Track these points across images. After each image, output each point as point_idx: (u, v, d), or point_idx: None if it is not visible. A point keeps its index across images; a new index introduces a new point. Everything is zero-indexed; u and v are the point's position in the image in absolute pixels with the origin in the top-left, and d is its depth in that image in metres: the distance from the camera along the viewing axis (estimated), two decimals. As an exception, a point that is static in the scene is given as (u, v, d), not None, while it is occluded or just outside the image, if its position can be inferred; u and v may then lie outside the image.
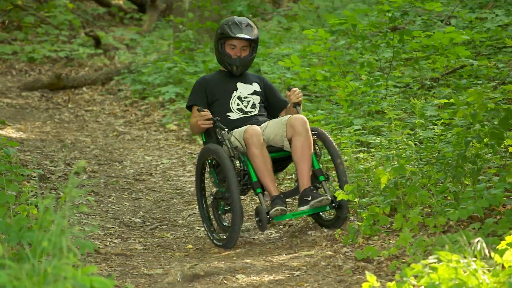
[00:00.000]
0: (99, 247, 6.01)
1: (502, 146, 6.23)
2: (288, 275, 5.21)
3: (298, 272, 5.24)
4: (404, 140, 6.61)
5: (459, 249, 4.19)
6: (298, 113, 6.11)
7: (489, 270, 3.98)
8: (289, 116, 6.01)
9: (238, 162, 5.93)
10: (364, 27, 8.99)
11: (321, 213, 6.08)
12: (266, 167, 5.83)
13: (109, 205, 7.63)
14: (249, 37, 6.18)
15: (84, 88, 14.22)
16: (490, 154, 6.40)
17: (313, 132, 6.00)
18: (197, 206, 7.67)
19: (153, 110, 12.48)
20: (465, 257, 4.01)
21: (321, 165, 6.08)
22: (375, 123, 8.00)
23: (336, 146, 5.95)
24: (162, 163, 9.71)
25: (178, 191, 8.33)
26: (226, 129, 6.01)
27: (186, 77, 12.62)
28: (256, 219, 5.82)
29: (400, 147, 6.57)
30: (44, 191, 7.35)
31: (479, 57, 9.47)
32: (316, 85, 10.45)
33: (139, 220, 7.15)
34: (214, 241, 6.14)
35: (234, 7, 14.05)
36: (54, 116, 12.54)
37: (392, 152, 6.29)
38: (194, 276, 5.22)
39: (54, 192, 7.51)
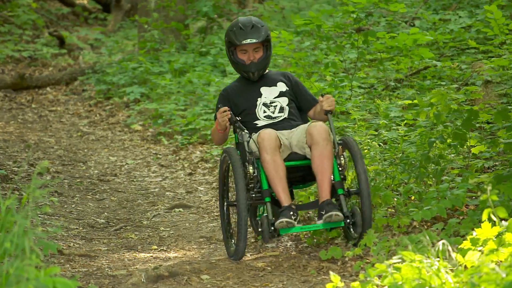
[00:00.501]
0: (62, 248, 5.97)
1: (465, 146, 6.28)
2: (253, 276, 5.21)
3: (263, 273, 5.25)
4: (368, 140, 6.65)
5: (422, 249, 4.21)
6: (328, 120, 5.63)
7: (451, 270, 4.01)
8: (310, 122, 5.64)
9: (251, 167, 5.47)
10: (329, 28, 9.02)
11: (349, 228, 5.48)
12: (277, 174, 5.39)
13: (73, 205, 7.58)
14: (257, 40, 5.72)
15: (48, 88, 14.11)
16: (453, 155, 6.45)
17: (339, 141, 5.53)
18: (163, 208, 7.65)
19: (117, 111, 12.42)
20: (428, 257, 4.03)
21: (344, 176, 5.52)
22: (339, 123, 8.03)
23: (361, 159, 5.41)
24: (127, 163, 9.67)
25: (143, 191, 8.29)
26: (245, 131, 5.60)
27: (151, 77, 12.57)
28: (259, 229, 5.38)
29: (364, 147, 6.61)
30: (6, 192, 7.28)
31: (443, 59, 9.54)
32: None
33: (103, 221, 7.11)
34: (229, 251, 5.71)
35: (199, 7, 14.02)
36: (18, 116, 12.44)
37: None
38: (158, 277, 5.20)
39: (17, 193, 7.45)
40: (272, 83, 5.87)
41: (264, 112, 5.77)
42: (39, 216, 6.75)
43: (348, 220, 5.35)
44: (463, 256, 4.14)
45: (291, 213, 5.30)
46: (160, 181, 8.80)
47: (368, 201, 5.32)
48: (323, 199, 5.32)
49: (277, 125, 5.72)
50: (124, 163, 9.67)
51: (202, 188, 8.35)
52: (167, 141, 10.55)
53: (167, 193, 8.23)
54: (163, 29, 13.92)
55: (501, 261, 4.09)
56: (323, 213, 5.26)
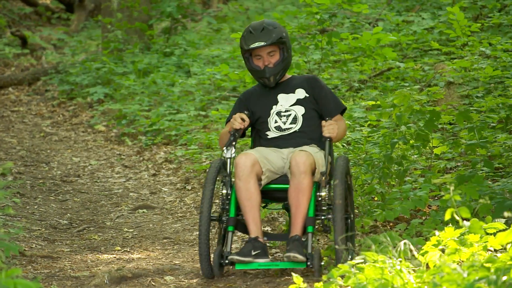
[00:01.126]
0: (24, 249, 5.91)
1: (427, 147, 6.32)
2: (217, 276, 5.20)
3: (227, 273, 5.24)
4: (332, 141, 6.65)
5: (385, 250, 4.24)
6: (324, 149, 5.19)
7: (414, 270, 4.03)
8: (295, 150, 5.24)
9: (225, 189, 5.19)
10: (293, 29, 9.04)
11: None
12: (249, 203, 5.07)
13: (35, 207, 7.52)
14: (265, 43, 5.31)
15: (10, 89, 13.98)
16: (415, 156, 6.50)
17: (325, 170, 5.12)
18: (126, 208, 7.61)
19: (81, 111, 12.35)
20: (390, 258, 4.05)
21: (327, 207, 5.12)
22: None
23: (340, 186, 4.98)
24: (90, 164, 9.62)
25: (106, 192, 8.25)
26: (229, 148, 5.23)
27: (115, 78, 12.51)
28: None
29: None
30: (-32, 193, 7.21)
31: (406, 60, 9.61)
32: (245, 87, 10.47)
33: (66, 222, 7.07)
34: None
35: (163, 7, 13.98)
36: (-21, 117, 12.33)
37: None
38: (121, 278, 5.18)
39: (-21, 194, 7.37)
40: (291, 89, 5.46)
41: (276, 122, 5.40)
42: (1, 217, 6.69)
43: (308, 263, 4.94)
44: (425, 256, 4.17)
45: (251, 249, 5.00)
46: (124, 182, 8.76)
47: (339, 233, 4.89)
48: (292, 234, 5.01)
49: (285, 139, 5.36)
50: (88, 164, 9.62)
51: (166, 189, 8.32)
52: (131, 141, 10.50)
53: (131, 194, 8.20)
54: (127, 30, 13.86)
55: (462, 261, 4.12)
56: (288, 249, 4.97)
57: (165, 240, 6.44)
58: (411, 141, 6.14)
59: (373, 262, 3.97)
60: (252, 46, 5.31)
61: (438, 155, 6.60)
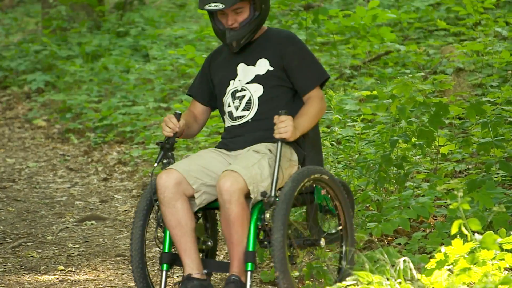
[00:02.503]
0: None
1: (432, 147, 6.35)
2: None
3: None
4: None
5: (381, 269, 4.25)
6: (277, 152, 4.77)
7: (416, 293, 4.05)
8: (225, 170, 4.80)
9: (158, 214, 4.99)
10: (272, 4, 9.05)
11: None
12: (178, 231, 4.89)
13: (-39, 218, 7.51)
14: (224, 6, 4.90)
15: None
16: (418, 157, 6.52)
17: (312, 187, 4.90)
18: (72, 220, 7.60)
19: (16, 103, 12.30)
20: (387, 279, 4.07)
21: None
22: (284, 119, 8.06)
23: (282, 213, 4.66)
24: (28, 166, 9.58)
25: (47, 200, 8.23)
26: (164, 161, 5.00)
27: (58, 63, 12.47)
28: None
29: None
30: None
31: (407, 42, 9.65)
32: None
33: (-1, 236, 7.06)
34: None
35: (116, -22, 13.98)
36: None
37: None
38: (65, 304, 5.17)
39: None
40: (253, 58, 5.07)
41: (229, 106, 5.08)
42: None
43: None
44: (429, 277, 4.19)
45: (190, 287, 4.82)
46: (69, 188, 8.74)
47: (280, 276, 4.66)
48: (230, 272, 4.80)
49: (235, 133, 5.08)
50: (25, 166, 9.58)
51: (119, 197, 8.31)
52: (77, 139, 10.47)
53: (77, 202, 8.18)
54: (72, 5, 13.81)
55: (474, 283, 4.15)
56: None
57: (118, 258, 6.43)
58: (413, 139, 6.16)
59: (367, 284, 3.98)
60: (207, 7, 4.92)
61: (445, 156, 6.63)
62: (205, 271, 4.90)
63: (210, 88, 5.18)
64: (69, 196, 8.42)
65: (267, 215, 4.72)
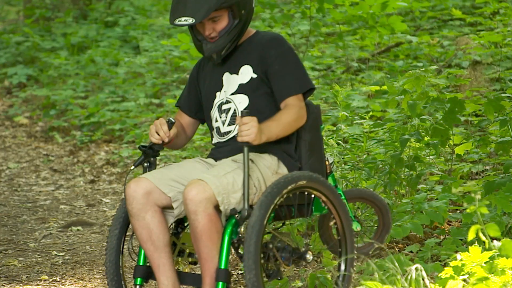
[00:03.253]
0: None
1: (447, 146, 6.36)
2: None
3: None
4: (324, 138, 6.69)
5: (391, 278, 4.26)
6: (244, 158, 4.65)
7: (429, 305, 4.06)
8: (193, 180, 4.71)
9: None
10: (274, -8, 9.06)
11: None
12: (150, 246, 4.83)
13: None
14: (194, 21, 4.76)
15: None
16: (432, 157, 6.53)
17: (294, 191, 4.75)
18: (56, 226, 7.60)
19: (-4, 98, 12.34)
20: (399, 288, 4.08)
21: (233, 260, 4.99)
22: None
23: (252, 237, 4.58)
24: (9, 167, 9.59)
25: (30, 204, 8.24)
26: (144, 165, 4.93)
27: (41, 55, 12.48)
28: None
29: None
30: None
31: (419, 32, 9.65)
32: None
33: (-23, 243, 7.07)
34: None
35: (104, -37, 14.00)
36: None
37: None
38: (49, 317, 5.17)
39: None
40: (236, 66, 4.95)
41: (216, 120, 4.96)
42: None
43: None
44: (443, 287, 4.20)
45: None
46: (53, 190, 8.74)
47: None
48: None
49: (224, 148, 4.97)
50: (5, 167, 9.59)
51: (107, 200, 8.32)
52: (61, 138, 10.48)
53: (62, 206, 8.19)
54: (57, -8, 13.83)
55: (492, 293, 4.15)
56: None
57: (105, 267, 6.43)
58: (426, 138, 6.17)
59: (376, 295, 3.99)
60: (177, 22, 4.78)
61: (461, 156, 6.63)
62: (183, 286, 4.84)
63: (199, 99, 5.06)
64: (53, 200, 8.42)
65: (242, 229, 4.63)
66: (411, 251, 5.67)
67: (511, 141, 5.98)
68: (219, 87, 4.92)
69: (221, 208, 4.60)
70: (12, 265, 6.52)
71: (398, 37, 9.20)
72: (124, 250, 4.93)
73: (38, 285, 6.04)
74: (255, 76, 4.86)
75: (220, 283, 4.61)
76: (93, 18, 13.74)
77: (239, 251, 4.69)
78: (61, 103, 11.00)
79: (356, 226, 5.23)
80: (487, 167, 6.73)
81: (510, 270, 4.21)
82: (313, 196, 4.83)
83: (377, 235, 5.40)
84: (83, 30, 13.01)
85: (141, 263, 4.88)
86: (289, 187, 4.63)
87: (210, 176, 4.60)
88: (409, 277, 4.13)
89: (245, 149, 4.58)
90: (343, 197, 5.10)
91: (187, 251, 4.91)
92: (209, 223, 4.61)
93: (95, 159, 9.55)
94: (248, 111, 4.60)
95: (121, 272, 4.88)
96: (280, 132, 4.74)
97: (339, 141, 6.94)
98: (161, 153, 5.25)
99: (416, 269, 4.14)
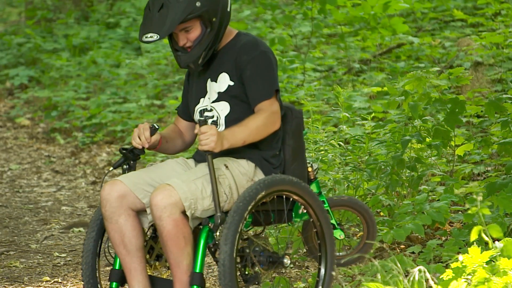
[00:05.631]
0: None
1: (448, 147, 6.35)
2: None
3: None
4: (326, 139, 6.68)
5: (393, 279, 4.25)
6: (209, 165, 4.66)
7: (431, 306, 4.06)
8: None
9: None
10: (275, -7, 9.06)
11: None
12: (123, 250, 4.81)
13: None
14: (158, 36, 4.74)
15: None
16: (433, 158, 6.53)
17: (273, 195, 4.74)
18: (58, 227, 7.60)
19: (-2, 100, 12.34)
20: (401, 290, 4.07)
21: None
22: (288, 117, 8.06)
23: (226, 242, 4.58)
24: (10, 169, 9.59)
25: (31, 206, 8.23)
26: (124, 167, 4.94)
27: (43, 57, 12.47)
28: None
29: (321, 148, 6.64)
30: None
31: (421, 34, 9.65)
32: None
33: (-21, 244, 7.07)
34: None
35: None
36: None
37: (310, 155, 6.35)
38: (51, 318, 5.17)
39: None
40: (215, 73, 4.92)
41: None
42: None
43: None
44: (446, 288, 4.19)
45: None
46: (54, 192, 8.74)
47: None
48: None
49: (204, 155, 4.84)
50: (7, 169, 9.59)
51: (109, 201, 8.32)
52: (63, 139, 10.48)
53: (63, 208, 8.18)
54: (59, -7, 13.83)
55: (493, 294, 4.15)
56: None
57: (108, 268, 6.43)
58: (427, 139, 6.16)
59: (378, 296, 3.99)
60: (143, 39, 4.75)
61: (462, 157, 6.63)
62: None
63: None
64: (55, 201, 8.42)
65: (218, 233, 4.60)
66: (413, 252, 5.66)
67: (513, 142, 5.98)
68: (203, 93, 4.92)
69: (188, 213, 4.59)
70: (13, 266, 6.52)
71: (399, 38, 9.19)
72: (100, 253, 4.89)
73: (39, 286, 6.05)
74: (232, 83, 4.85)
75: (195, 286, 4.62)
76: (95, 19, 13.74)
77: (216, 255, 4.67)
78: (63, 105, 11.00)
79: (339, 234, 5.21)
80: (489, 168, 6.72)
81: (512, 271, 4.21)
82: (293, 202, 4.81)
83: (361, 244, 5.38)
84: (84, 32, 13.01)
85: (116, 267, 4.87)
86: (264, 192, 4.61)
87: (179, 181, 4.62)
88: (411, 278, 4.13)
89: (209, 157, 4.60)
90: (326, 205, 5.06)
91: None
92: (174, 229, 4.61)
93: (97, 160, 9.55)
94: (206, 120, 4.63)
95: (97, 275, 4.86)
96: (247, 137, 4.74)
97: (341, 142, 6.93)
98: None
99: (419, 270, 4.14)
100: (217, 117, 4.86)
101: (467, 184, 6.23)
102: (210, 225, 4.60)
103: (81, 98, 11.06)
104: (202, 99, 4.91)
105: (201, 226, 4.68)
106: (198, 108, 4.90)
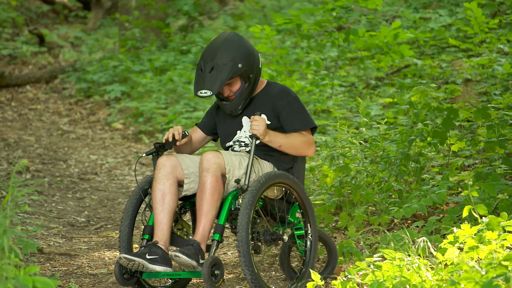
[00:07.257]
0: (42, 247, 5.94)
1: (445, 145, 6.30)
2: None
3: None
4: (349, 139, 6.66)
5: (403, 247, 4.23)
6: (251, 146, 4.72)
7: (432, 268, 4.02)
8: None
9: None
10: (310, 26, 9.03)
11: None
12: (160, 206, 4.77)
13: (53, 204, 7.55)
14: (211, 93, 4.75)
15: (27, 87, 14.04)
16: (433, 153, 6.48)
17: (281, 183, 4.77)
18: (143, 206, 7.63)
19: (98, 109, 12.38)
20: (409, 255, 4.05)
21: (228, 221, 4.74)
22: (320, 122, 8.04)
23: (245, 214, 4.54)
24: (107, 162, 9.64)
25: (124, 190, 8.27)
26: (154, 156, 4.96)
27: (132, 76, 12.54)
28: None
29: (345, 146, 6.62)
30: (-14, 191, 7.25)
31: (423, 57, 9.58)
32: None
33: (84, 219, 7.09)
34: None
35: (180, 5, 14.00)
36: (-3, 115, 12.39)
37: (337, 151, 6.33)
38: (139, 276, 5.17)
39: (-3, 192, 7.42)
40: (253, 113, 4.85)
41: (233, 150, 4.95)
42: (19, 215, 6.72)
43: (210, 269, 4.48)
44: (443, 254, 4.16)
45: (146, 252, 4.64)
46: (141, 179, 8.77)
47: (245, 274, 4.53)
48: (193, 238, 4.67)
49: None
50: (105, 162, 9.64)
51: (183, 187, 8.34)
52: (148, 139, 10.52)
53: (149, 190, 8.21)
54: (144, 27, 13.89)
55: (481, 259, 4.11)
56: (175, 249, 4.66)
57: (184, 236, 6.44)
58: (428, 139, 6.12)
59: (391, 260, 3.96)
60: (198, 94, 4.77)
61: (456, 152, 6.58)
62: (170, 248, 4.74)
63: (214, 126, 5.09)
64: (141, 186, 8.46)
65: (240, 200, 4.63)
66: (417, 226, 5.63)
67: (496, 141, 5.92)
68: (240, 126, 4.93)
69: (227, 175, 4.65)
70: (110, 236, 6.55)
71: (406, 61, 9.13)
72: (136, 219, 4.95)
73: (130, 251, 6.05)
74: (269, 123, 4.87)
75: (217, 234, 4.61)
76: (172, 47, 13.78)
77: (233, 222, 4.69)
78: (147, 113, 11.05)
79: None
80: (477, 161, 6.66)
81: (495, 241, 4.17)
82: (293, 203, 4.85)
83: (326, 271, 5.05)
84: (164, 57, 13.05)
85: (150, 223, 4.85)
86: (278, 180, 4.69)
87: (224, 152, 4.71)
88: (417, 246, 4.11)
89: (253, 139, 4.69)
90: (302, 231, 4.89)
91: (184, 230, 4.91)
92: (214, 182, 4.63)
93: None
94: (260, 114, 4.73)
95: (132, 234, 4.89)
96: (284, 144, 4.81)
97: (361, 141, 6.90)
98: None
99: (423, 240, 4.12)
100: (249, 145, 4.88)
101: (459, 173, 6.18)
102: (238, 185, 4.61)
103: (161, 107, 11.10)
104: (238, 131, 4.94)
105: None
106: (236, 138, 4.93)
